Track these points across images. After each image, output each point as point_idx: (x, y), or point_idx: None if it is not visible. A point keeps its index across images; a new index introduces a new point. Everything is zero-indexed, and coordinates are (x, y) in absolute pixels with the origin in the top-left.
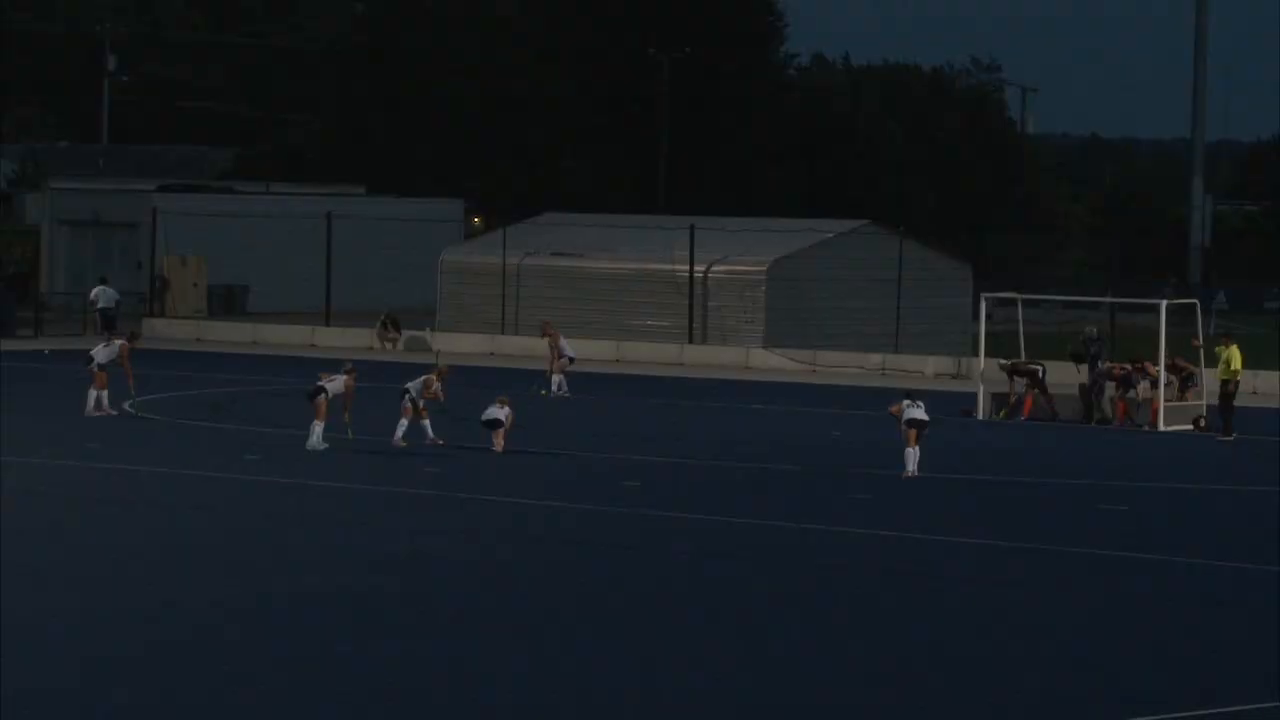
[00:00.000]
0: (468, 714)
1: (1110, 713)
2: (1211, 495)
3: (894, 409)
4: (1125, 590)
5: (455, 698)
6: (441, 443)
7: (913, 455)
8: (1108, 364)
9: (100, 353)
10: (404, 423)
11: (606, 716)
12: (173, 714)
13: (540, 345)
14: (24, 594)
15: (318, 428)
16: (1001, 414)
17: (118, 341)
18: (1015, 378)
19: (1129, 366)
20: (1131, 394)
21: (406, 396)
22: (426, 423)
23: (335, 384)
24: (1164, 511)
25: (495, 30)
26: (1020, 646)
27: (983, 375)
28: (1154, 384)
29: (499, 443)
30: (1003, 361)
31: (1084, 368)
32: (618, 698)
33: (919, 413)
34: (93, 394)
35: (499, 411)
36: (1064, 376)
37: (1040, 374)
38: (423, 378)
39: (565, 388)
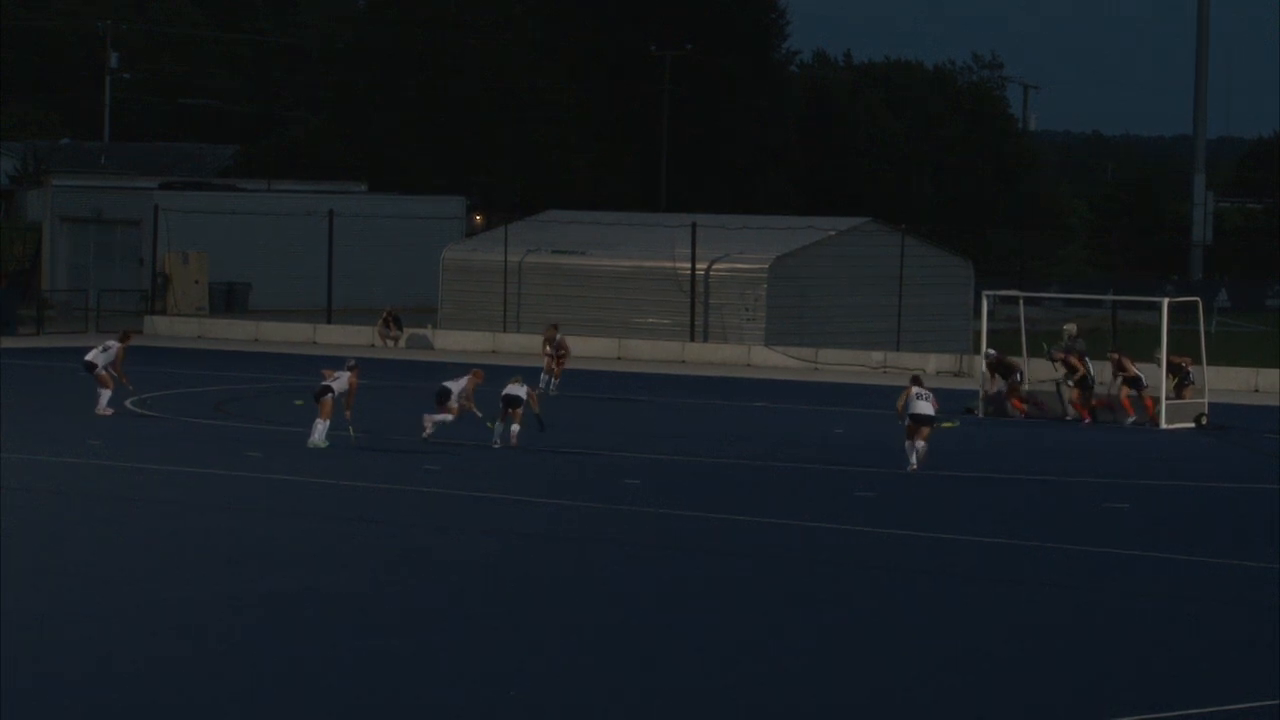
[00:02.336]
0: (468, 712)
1: (1111, 710)
2: (1213, 493)
3: (900, 402)
4: (1127, 588)
5: (456, 696)
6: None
7: (913, 449)
8: (1059, 355)
9: (98, 356)
10: (447, 419)
11: (607, 715)
12: (174, 713)
13: (537, 344)
14: (23, 592)
15: (321, 426)
16: (988, 410)
17: (113, 343)
18: (996, 375)
19: (1073, 359)
20: (1099, 387)
21: (452, 397)
22: (444, 417)
23: (340, 382)
24: (1166, 509)
25: (497, 28)
26: (1022, 644)
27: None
28: (1131, 381)
29: (514, 437)
30: (991, 351)
31: (1060, 365)
32: (617, 696)
33: (925, 407)
34: (105, 394)
35: (519, 389)
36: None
37: (1018, 377)
38: (465, 380)
39: (554, 386)
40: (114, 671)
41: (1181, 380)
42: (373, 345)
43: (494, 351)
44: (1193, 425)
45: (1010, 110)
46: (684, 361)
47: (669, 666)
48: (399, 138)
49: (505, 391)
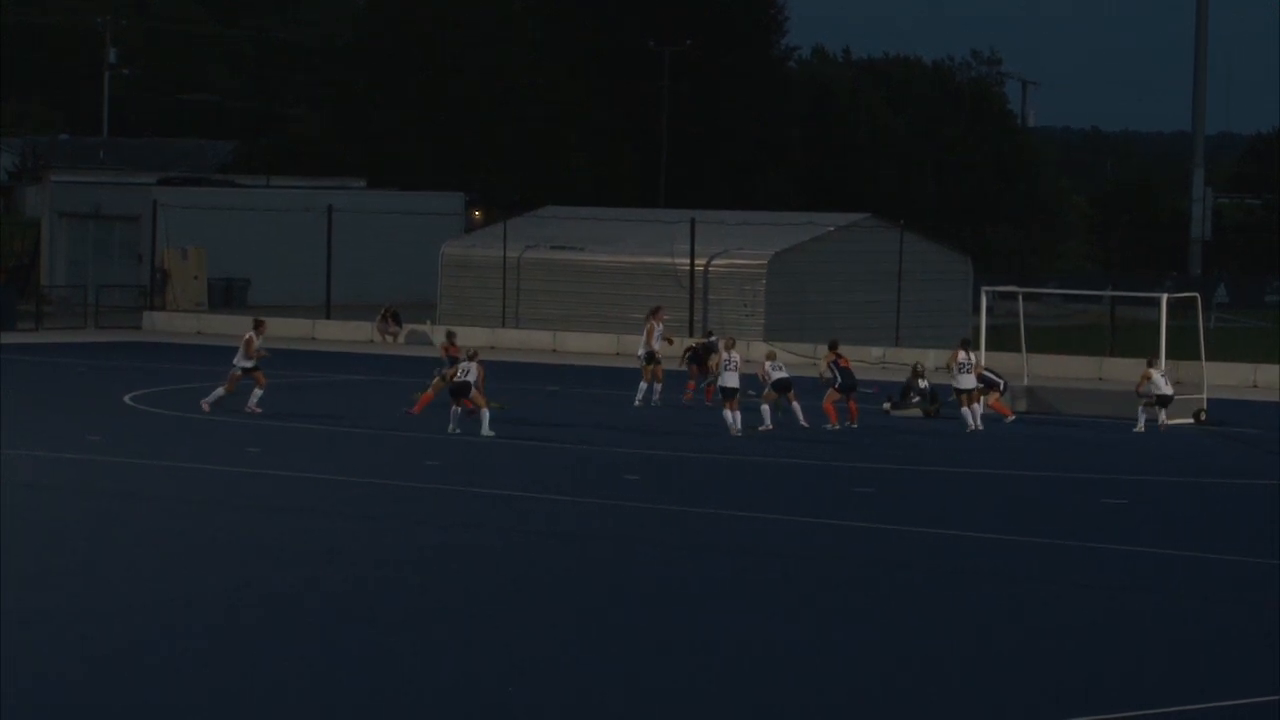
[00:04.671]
0: (469, 709)
1: (1110, 706)
2: (1211, 489)
3: (949, 363)
4: (1125, 584)
5: (456, 693)
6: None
7: (968, 414)
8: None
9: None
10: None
11: (608, 713)
12: (175, 712)
13: (536, 340)
14: (23, 590)
15: (485, 415)
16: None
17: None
18: (693, 365)
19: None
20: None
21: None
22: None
23: (471, 374)
24: (1165, 505)
25: (496, 24)
26: (1020, 640)
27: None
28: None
29: (800, 414)
30: (712, 338)
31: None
32: (618, 694)
33: (967, 380)
34: (257, 392)
35: (779, 370)
36: (1058, 370)
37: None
38: (474, 368)
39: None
40: (114, 671)
41: (989, 386)
42: (372, 341)
43: (493, 347)
44: (1191, 421)
45: (1009, 106)
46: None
47: (670, 663)
48: (399, 137)
49: (777, 376)
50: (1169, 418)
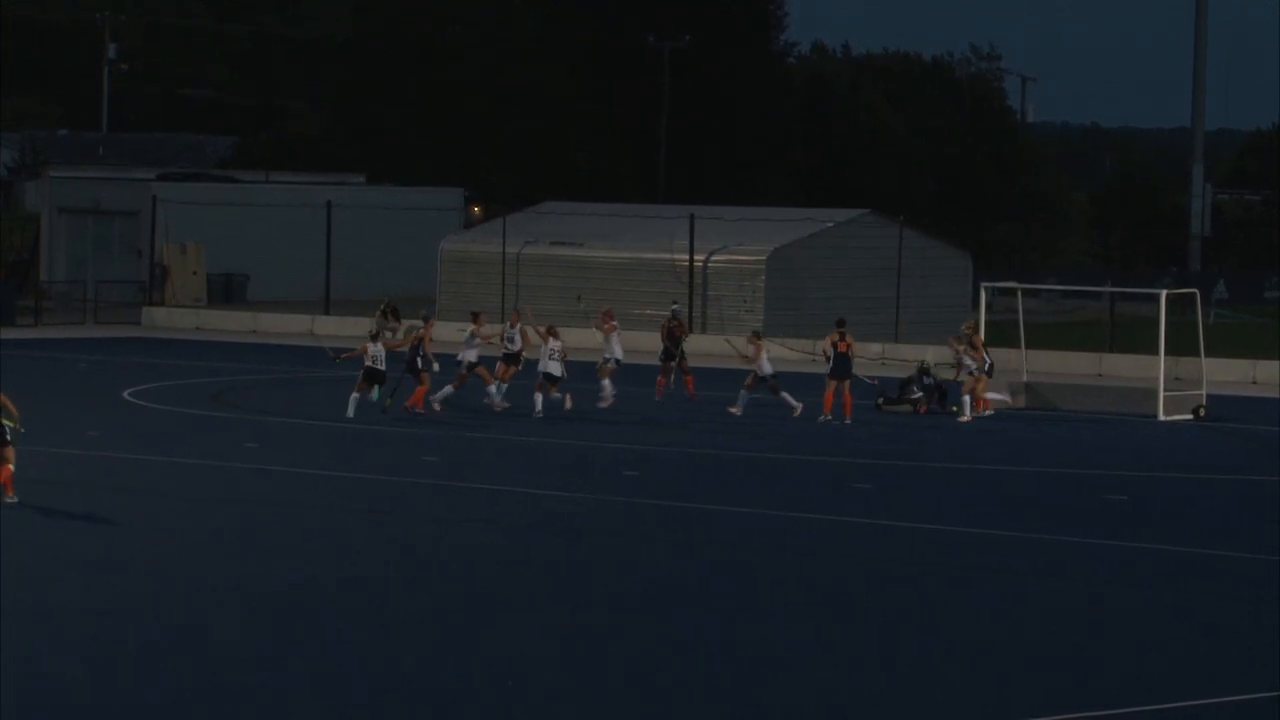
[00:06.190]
0: (467, 704)
1: (1109, 701)
2: (1211, 485)
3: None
4: (1125, 580)
5: (454, 687)
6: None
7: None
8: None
9: (467, 353)
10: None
11: (606, 707)
12: (175, 711)
13: (536, 335)
14: (22, 586)
15: (358, 398)
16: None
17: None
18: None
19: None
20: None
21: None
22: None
23: (382, 362)
24: (1164, 501)
25: (496, 24)
26: (1020, 637)
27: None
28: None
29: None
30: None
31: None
32: (617, 689)
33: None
34: (448, 389)
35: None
36: (1058, 366)
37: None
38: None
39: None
40: (113, 669)
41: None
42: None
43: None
44: (1190, 417)
45: (1009, 102)
46: None
47: (669, 659)
48: (398, 135)
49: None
50: (1167, 414)
